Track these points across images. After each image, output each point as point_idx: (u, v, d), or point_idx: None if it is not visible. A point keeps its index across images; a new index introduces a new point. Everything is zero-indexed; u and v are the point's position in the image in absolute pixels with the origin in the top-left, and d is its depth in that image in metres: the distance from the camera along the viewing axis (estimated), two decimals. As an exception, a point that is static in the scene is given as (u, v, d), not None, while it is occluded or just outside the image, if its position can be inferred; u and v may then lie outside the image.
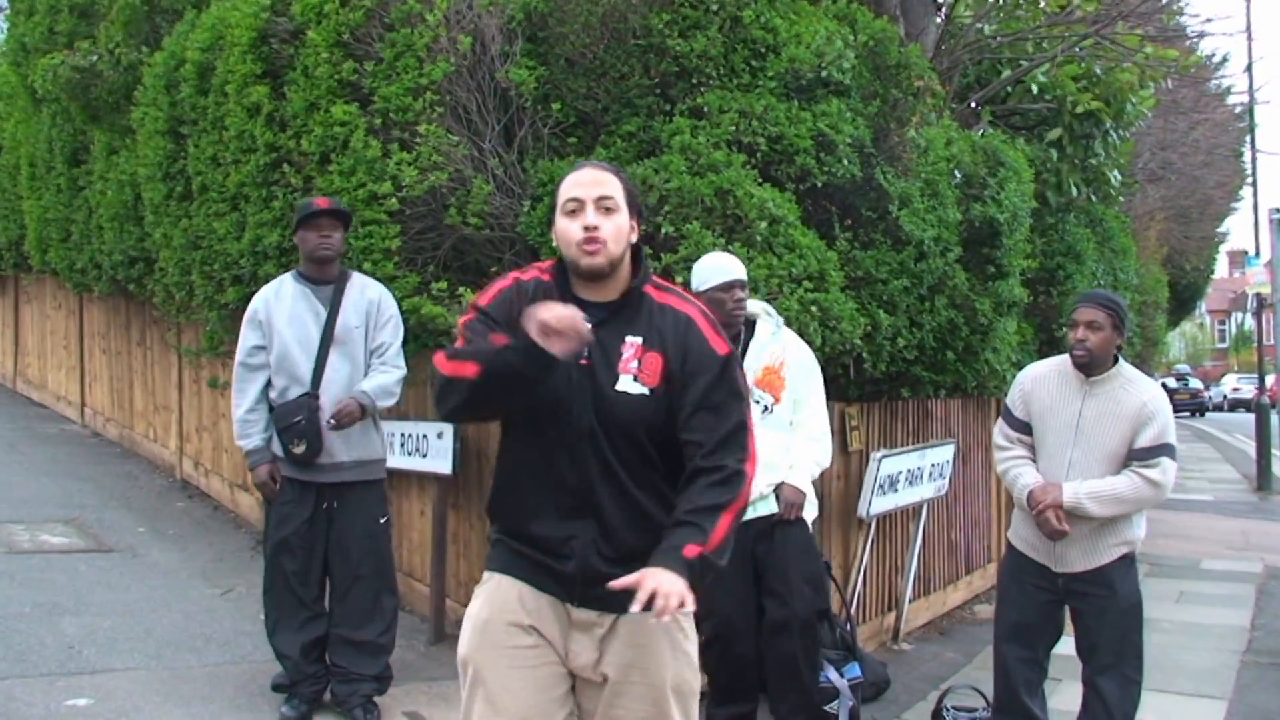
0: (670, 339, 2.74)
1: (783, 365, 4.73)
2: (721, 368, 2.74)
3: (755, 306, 4.78)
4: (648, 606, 2.45)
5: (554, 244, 2.80)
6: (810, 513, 4.81)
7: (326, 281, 5.00)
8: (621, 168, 3.24)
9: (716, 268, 4.60)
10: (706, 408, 2.71)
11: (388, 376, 5.00)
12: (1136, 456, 4.34)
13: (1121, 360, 4.45)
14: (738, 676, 4.69)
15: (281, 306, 4.95)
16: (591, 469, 2.70)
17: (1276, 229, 18.94)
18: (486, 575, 2.88)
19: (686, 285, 5.00)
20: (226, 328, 7.32)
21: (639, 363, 2.71)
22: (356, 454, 4.97)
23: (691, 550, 2.58)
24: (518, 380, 2.57)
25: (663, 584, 2.47)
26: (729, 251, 4.93)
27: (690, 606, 2.51)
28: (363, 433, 5.00)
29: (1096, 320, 4.36)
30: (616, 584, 2.51)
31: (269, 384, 4.94)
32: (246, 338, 4.97)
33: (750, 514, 4.60)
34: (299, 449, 4.83)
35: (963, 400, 7.92)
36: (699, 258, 5.00)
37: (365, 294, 5.06)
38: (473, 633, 2.81)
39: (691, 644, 2.86)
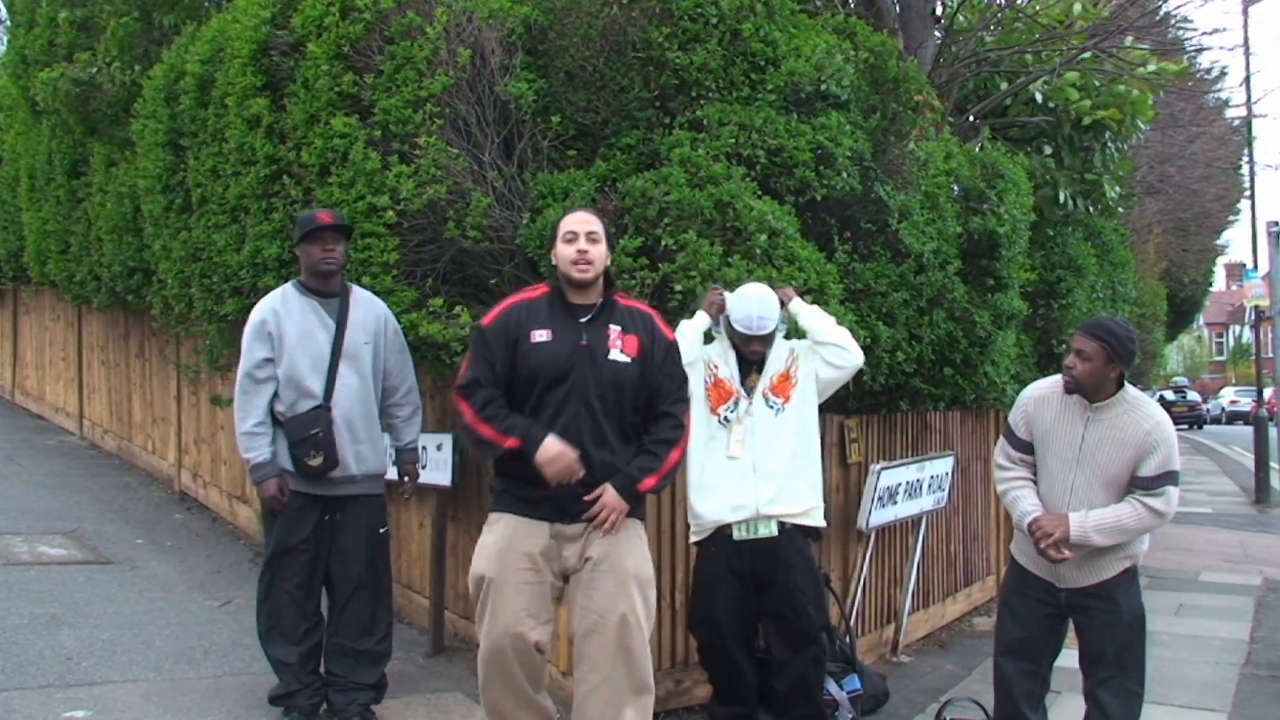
0: (641, 327, 4.10)
1: (792, 364, 4.90)
2: (671, 346, 4.18)
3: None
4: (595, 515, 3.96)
5: (552, 262, 4.10)
6: (819, 519, 4.89)
7: (331, 294, 5.00)
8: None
9: (747, 318, 4.75)
10: (669, 374, 4.12)
11: (418, 415, 5.29)
12: (1140, 485, 4.31)
13: (1126, 386, 4.39)
14: (732, 679, 4.77)
15: (290, 320, 4.92)
16: (581, 417, 3.95)
17: (1274, 242, 18.97)
18: (495, 515, 4.08)
19: (686, 293, 5.03)
20: (226, 340, 7.31)
21: (621, 341, 4.03)
22: (366, 467, 4.99)
23: (646, 484, 4.01)
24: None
25: (608, 503, 3.94)
26: (729, 263, 4.96)
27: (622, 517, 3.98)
28: (373, 447, 5.03)
29: (1084, 350, 4.32)
30: (588, 498, 3.92)
31: (274, 397, 4.92)
32: (254, 350, 4.91)
33: (748, 534, 4.73)
34: (315, 461, 4.81)
35: (962, 413, 7.92)
36: (696, 266, 5.03)
37: (372, 309, 5.09)
38: (489, 557, 4.01)
39: (646, 546, 4.14)
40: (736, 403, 4.80)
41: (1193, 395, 44.27)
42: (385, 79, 5.70)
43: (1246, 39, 18.85)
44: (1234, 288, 56.41)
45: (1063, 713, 5.42)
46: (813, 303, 5.23)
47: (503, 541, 4.01)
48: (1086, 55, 8.99)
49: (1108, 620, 4.42)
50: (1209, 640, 7.69)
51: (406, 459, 5.25)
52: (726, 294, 4.87)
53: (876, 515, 6.29)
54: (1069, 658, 4.67)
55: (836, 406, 6.01)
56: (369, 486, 5.04)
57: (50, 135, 10.34)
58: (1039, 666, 4.62)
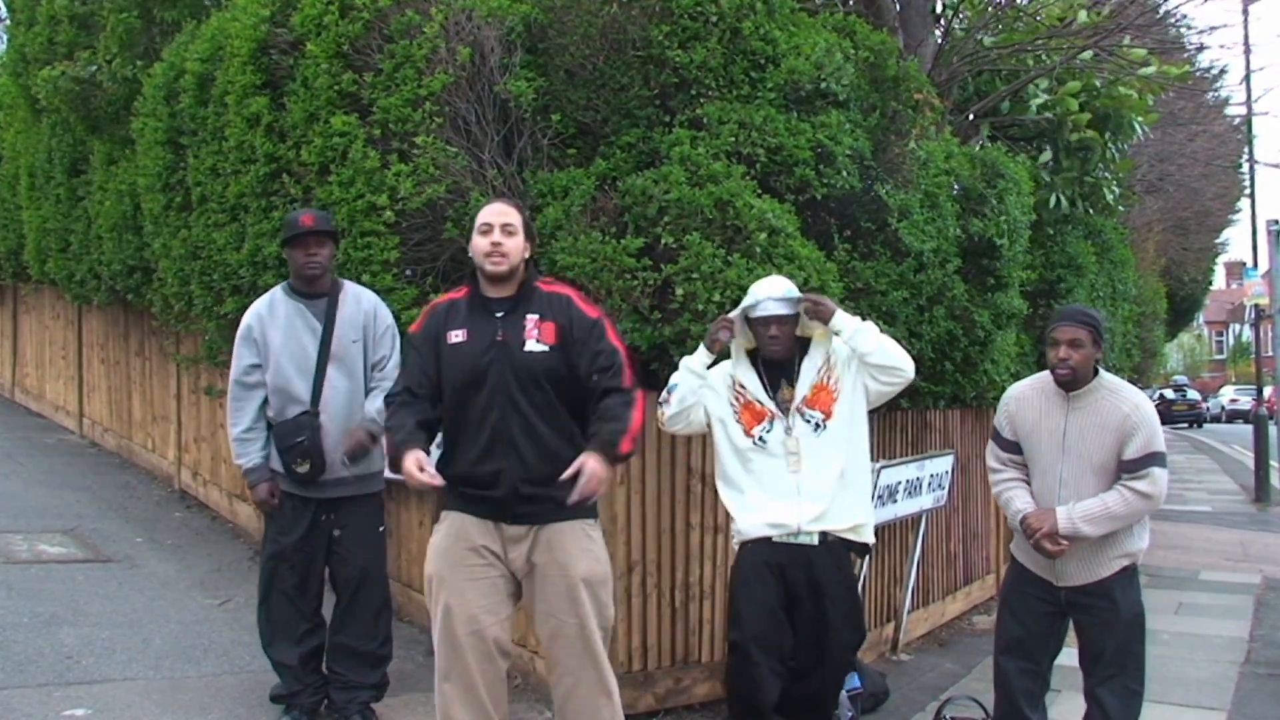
0: (559, 312, 3.93)
1: (827, 374, 4.59)
2: (594, 324, 3.95)
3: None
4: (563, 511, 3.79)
5: (469, 255, 4.02)
6: (868, 535, 4.70)
7: (319, 295, 4.97)
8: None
9: (759, 300, 4.56)
10: (596, 351, 3.90)
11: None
12: (1125, 469, 4.33)
13: (1101, 371, 4.45)
14: (753, 691, 4.51)
15: (276, 324, 4.91)
16: (508, 415, 3.82)
17: (1274, 240, 18.97)
18: (444, 514, 4.01)
19: (688, 295, 5.01)
20: (225, 338, 7.30)
21: (539, 330, 3.89)
22: (358, 469, 4.94)
23: (624, 447, 3.79)
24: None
25: (595, 471, 3.66)
26: (729, 262, 4.92)
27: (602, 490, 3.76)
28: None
29: (1078, 338, 4.34)
30: (567, 473, 3.66)
31: (265, 401, 4.92)
32: (241, 356, 4.93)
33: (790, 539, 4.51)
34: (302, 468, 4.81)
35: (961, 411, 7.92)
36: (699, 268, 5.01)
37: (360, 305, 5.02)
38: (437, 555, 3.94)
39: (598, 545, 4.00)
40: (772, 422, 4.54)
41: (1193, 394, 44.20)
42: (384, 77, 5.69)
43: (1247, 37, 18.89)
44: (1234, 286, 56.33)
45: (1063, 711, 5.42)
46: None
47: (450, 538, 3.93)
48: (1087, 55, 8.99)
49: (1107, 619, 4.42)
50: (1209, 638, 7.69)
51: (360, 425, 4.87)
52: (734, 315, 4.64)
53: (876, 514, 6.28)
54: (1069, 656, 4.67)
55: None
56: (364, 486, 5.02)
57: (50, 133, 10.33)
58: (1039, 665, 4.62)
